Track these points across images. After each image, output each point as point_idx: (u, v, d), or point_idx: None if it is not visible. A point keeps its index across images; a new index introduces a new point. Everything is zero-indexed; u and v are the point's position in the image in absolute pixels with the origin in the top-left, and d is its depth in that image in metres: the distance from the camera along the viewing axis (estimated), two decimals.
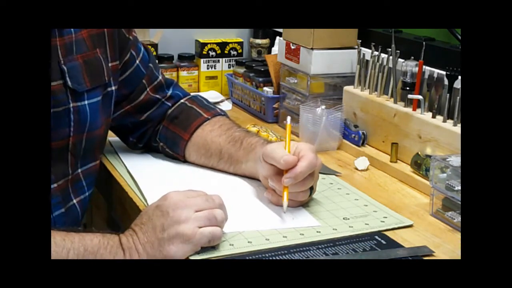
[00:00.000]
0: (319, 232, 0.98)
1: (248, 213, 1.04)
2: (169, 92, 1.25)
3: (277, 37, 1.71)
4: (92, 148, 1.11)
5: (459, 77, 1.19)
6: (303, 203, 1.06)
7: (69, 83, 1.03)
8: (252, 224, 0.99)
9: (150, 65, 1.23)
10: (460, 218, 1.01)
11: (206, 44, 1.84)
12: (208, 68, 1.85)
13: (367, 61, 1.37)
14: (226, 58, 1.87)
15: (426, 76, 1.25)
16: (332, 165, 1.28)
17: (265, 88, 1.60)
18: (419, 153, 1.20)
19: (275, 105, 1.57)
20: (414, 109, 1.25)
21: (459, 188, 1.01)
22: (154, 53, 1.76)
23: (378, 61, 1.34)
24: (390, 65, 1.31)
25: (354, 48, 1.43)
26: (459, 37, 1.31)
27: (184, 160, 1.23)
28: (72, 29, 1.04)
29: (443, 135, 1.17)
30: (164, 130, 1.23)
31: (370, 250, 0.93)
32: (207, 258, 0.89)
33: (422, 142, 1.22)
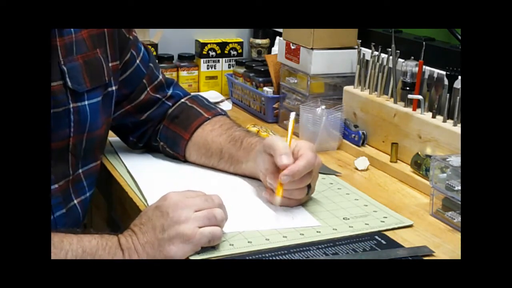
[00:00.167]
0: (319, 232, 0.98)
1: (248, 213, 1.03)
2: (170, 92, 1.25)
3: (277, 37, 1.71)
4: (93, 149, 1.11)
5: (459, 77, 1.19)
6: (301, 201, 1.06)
7: (69, 83, 1.03)
8: (252, 224, 0.99)
9: (151, 64, 1.23)
10: (460, 218, 1.01)
11: (206, 44, 1.84)
12: (208, 68, 1.85)
13: (367, 61, 1.37)
14: (226, 58, 1.87)
15: (426, 76, 1.25)
16: (332, 165, 1.28)
17: (265, 88, 1.60)
18: (419, 153, 1.20)
19: (275, 105, 1.57)
20: (414, 109, 1.25)
21: (459, 188, 1.01)
22: (154, 53, 1.75)
23: (378, 61, 1.34)
24: (390, 65, 1.31)
25: (354, 48, 1.43)
26: (459, 37, 1.31)
27: (184, 160, 1.23)
28: (72, 29, 1.04)
29: (443, 135, 1.17)
30: (165, 129, 1.23)
31: (370, 250, 0.93)
32: (207, 258, 0.89)
33: (422, 142, 1.21)
